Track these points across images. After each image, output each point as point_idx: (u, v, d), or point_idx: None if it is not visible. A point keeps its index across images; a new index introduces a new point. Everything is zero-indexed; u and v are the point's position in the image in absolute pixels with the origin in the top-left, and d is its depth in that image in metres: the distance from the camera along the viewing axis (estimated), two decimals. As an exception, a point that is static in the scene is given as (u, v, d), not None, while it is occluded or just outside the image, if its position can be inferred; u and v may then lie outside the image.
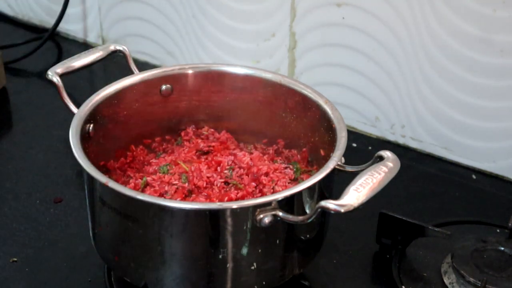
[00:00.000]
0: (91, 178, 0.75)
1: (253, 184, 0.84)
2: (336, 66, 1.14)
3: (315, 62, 1.15)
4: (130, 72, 0.93)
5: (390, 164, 0.73)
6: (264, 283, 0.77)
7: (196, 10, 1.23)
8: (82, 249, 0.90)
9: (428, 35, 1.03)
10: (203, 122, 0.96)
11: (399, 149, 1.12)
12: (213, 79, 0.94)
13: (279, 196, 0.72)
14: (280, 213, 0.71)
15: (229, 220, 0.71)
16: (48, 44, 1.40)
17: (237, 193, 0.82)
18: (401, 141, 1.14)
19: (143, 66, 1.14)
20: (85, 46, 1.42)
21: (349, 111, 1.15)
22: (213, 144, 0.93)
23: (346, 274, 0.89)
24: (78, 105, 0.84)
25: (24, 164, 1.07)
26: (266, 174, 0.86)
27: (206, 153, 0.92)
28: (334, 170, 0.76)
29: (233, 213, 0.71)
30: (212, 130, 0.96)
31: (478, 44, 1.00)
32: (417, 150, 1.13)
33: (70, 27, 1.44)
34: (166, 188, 0.83)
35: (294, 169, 0.89)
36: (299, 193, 0.73)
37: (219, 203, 0.77)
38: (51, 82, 0.87)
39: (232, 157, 0.89)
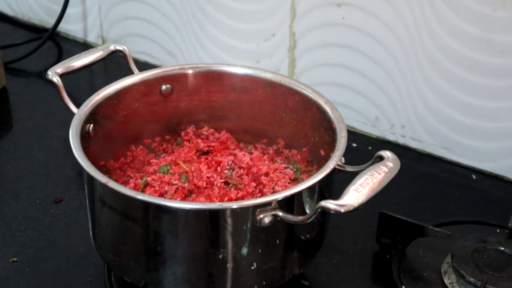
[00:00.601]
0: (91, 178, 0.75)
1: (253, 184, 0.84)
2: (336, 66, 1.14)
3: (315, 62, 1.15)
4: (130, 72, 0.93)
5: (390, 164, 0.73)
6: (264, 283, 0.77)
7: (196, 10, 1.23)
8: (82, 249, 0.90)
9: (428, 35, 1.03)
10: (203, 122, 0.96)
11: (399, 149, 1.12)
12: (213, 79, 0.94)
13: (279, 196, 0.72)
14: (280, 213, 0.71)
15: (229, 220, 0.71)
16: (48, 44, 1.40)
17: (237, 193, 0.82)
18: (401, 141, 1.14)
19: (143, 66, 1.14)
20: (85, 46, 1.42)
21: (349, 111, 1.15)
22: (213, 144, 0.93)
23: (346, 274, 0.89)
24: (78, 105, 0.84)
25: (24, 164, 1.07)
26: (266, 174, 0.86)
27: (206, 153, 0.92)
28: (334, 170, 0.76)
29: (233, 213, 0.71)
30: (212, 130, 0.95)
31: (478, 44, 1.00)
32: (417, 150, 1.13)
33: (70, 27, 1.44)
34: (166, 188, 0.83)
35: (294, 169, 0.89)
36: (299, 193, 0.73)
37: (219, 203, 0.77)
38: (51, 82, 0.87)
39: (232, 157, 0.89)
